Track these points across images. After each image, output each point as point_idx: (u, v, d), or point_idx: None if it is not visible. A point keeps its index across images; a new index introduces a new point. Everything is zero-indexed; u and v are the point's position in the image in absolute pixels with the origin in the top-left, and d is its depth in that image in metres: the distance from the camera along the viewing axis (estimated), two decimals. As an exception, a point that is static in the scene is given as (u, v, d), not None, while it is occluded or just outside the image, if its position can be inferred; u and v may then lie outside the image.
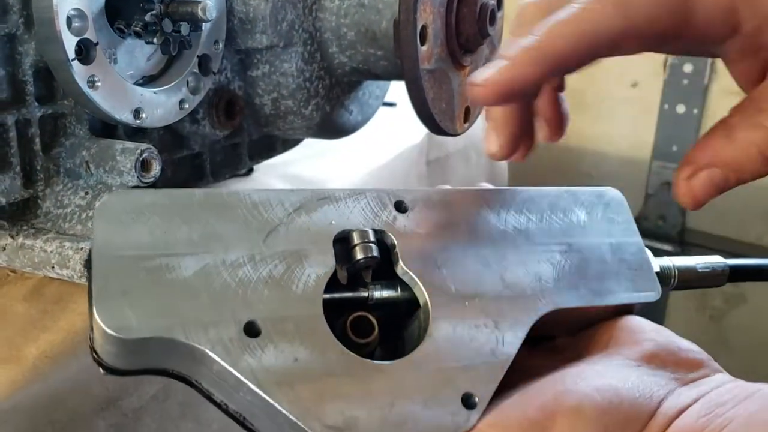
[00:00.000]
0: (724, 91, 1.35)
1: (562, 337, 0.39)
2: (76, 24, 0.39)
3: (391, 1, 0.50)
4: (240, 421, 0.32)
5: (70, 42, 0.39)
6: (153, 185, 0.43)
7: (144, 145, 0.41)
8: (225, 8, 0.48)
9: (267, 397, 0.30)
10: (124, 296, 0.30)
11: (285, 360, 0.31)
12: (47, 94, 0.42)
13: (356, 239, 0.35)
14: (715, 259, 0.43)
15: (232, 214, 0.34)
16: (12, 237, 0.41)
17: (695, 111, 1.37)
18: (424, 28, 0.47)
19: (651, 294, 0.39)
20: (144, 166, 0.41)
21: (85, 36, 0.40)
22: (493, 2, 0.52)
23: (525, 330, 0.35)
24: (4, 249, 0.41)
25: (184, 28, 0.43)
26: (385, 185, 0.33)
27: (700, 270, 0.42)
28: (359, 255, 0.35)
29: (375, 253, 0.35)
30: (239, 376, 0.30)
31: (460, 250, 0.37)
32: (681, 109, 1.38)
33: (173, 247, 0.32)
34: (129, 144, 0.42)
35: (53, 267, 0.40)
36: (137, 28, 0.42)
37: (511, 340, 0.34)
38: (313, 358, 0.31)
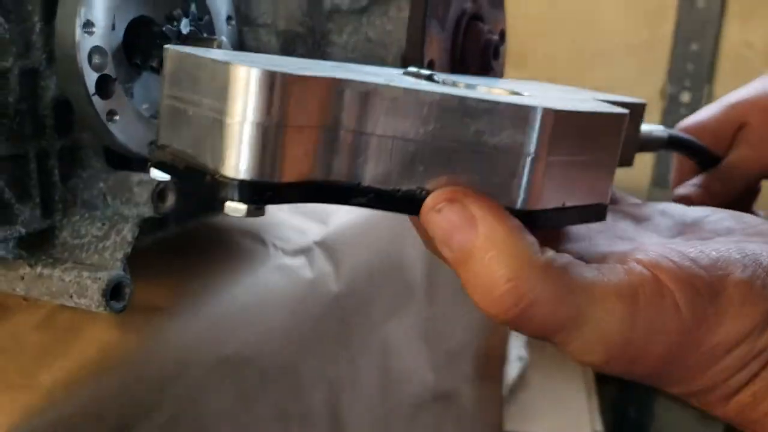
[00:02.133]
0: (721, 120, 1.37)
1: None
2: (97, 60, 0.41)
3: (398, 36, 0.52)
4: (418, 196, 0.28)
5: (91, 78, 0.40)
6: (166, 216, 0.44)
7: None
8: (237, 43, 0.50)
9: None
10: (259, 63, 0.25)
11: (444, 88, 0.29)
12: (65, 126, 0.44)
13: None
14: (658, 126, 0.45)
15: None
16: (30, 266, 0.42)
17: (693, 139, 1.39)
18: (431, 62, 0.49)
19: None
20: (160, 197, 0.43)
21: (105, 72, 0.41)
22: (496, 37, 0.54)
23: None
24: (23, 278, 0.42)
25: (200, 63, 0.45)
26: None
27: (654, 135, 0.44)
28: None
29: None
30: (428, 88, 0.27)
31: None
32: (679, 137, 1.40)
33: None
34: (145, 176, 0.43)
35: (71, 296, 0.41)
36: (154, 64, 0.43)
37: None
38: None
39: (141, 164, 0.47)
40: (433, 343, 0.78)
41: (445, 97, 0.27)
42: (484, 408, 0.91)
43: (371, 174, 0.28)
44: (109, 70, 0.41)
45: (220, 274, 0.54)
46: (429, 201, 0.28)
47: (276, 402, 0.55)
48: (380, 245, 0.69)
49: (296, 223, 0.63)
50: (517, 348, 1.05)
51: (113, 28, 0.42)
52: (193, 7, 0.45)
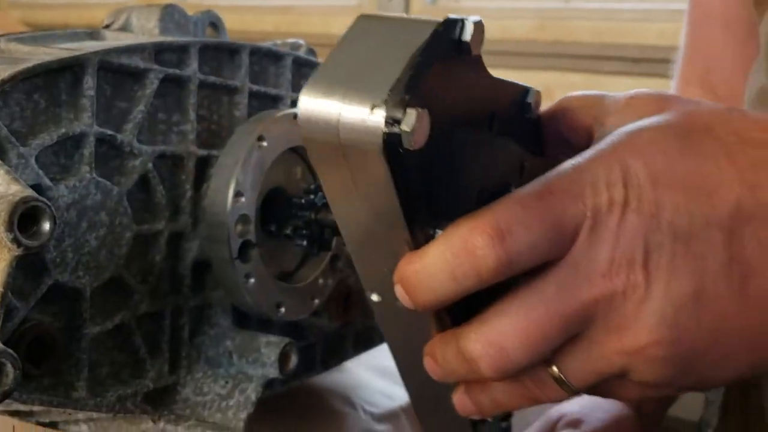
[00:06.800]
0: None
1: None
2: (241, 227, 0.44)
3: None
4: None
5: (235, 242, 0.43)
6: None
7: (287, 340, 0.44)
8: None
9: None
10: None
11: None
12: (199, 285, 0.46)
13: None
14: None
15: None
16: (153, 421, 0.43)
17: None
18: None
19: None
20: (284, 358, 0.44)
21: (248, 237, 0.44)
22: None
23: None
24: (145, 433, 0.43)
25: (327, 232, 0.47)
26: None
27: None
28: None
29: None
30: None
31: None
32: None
33: None
34: (273, 338, 0.44)
35: (195, 454, 0.41)
36: (288, 232, 0.46)
37: None
38: None
39: (262, 324, 0.49)
40: None
41: None
42: None
43: None
44: (251, 235, 0.44)
45: (315, 437, 0.54)
46: None
47: None
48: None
49: (383, 386, 0.64)
50: None
51: (257, 197, 0.45)
52: (326, 181, 0.48)
